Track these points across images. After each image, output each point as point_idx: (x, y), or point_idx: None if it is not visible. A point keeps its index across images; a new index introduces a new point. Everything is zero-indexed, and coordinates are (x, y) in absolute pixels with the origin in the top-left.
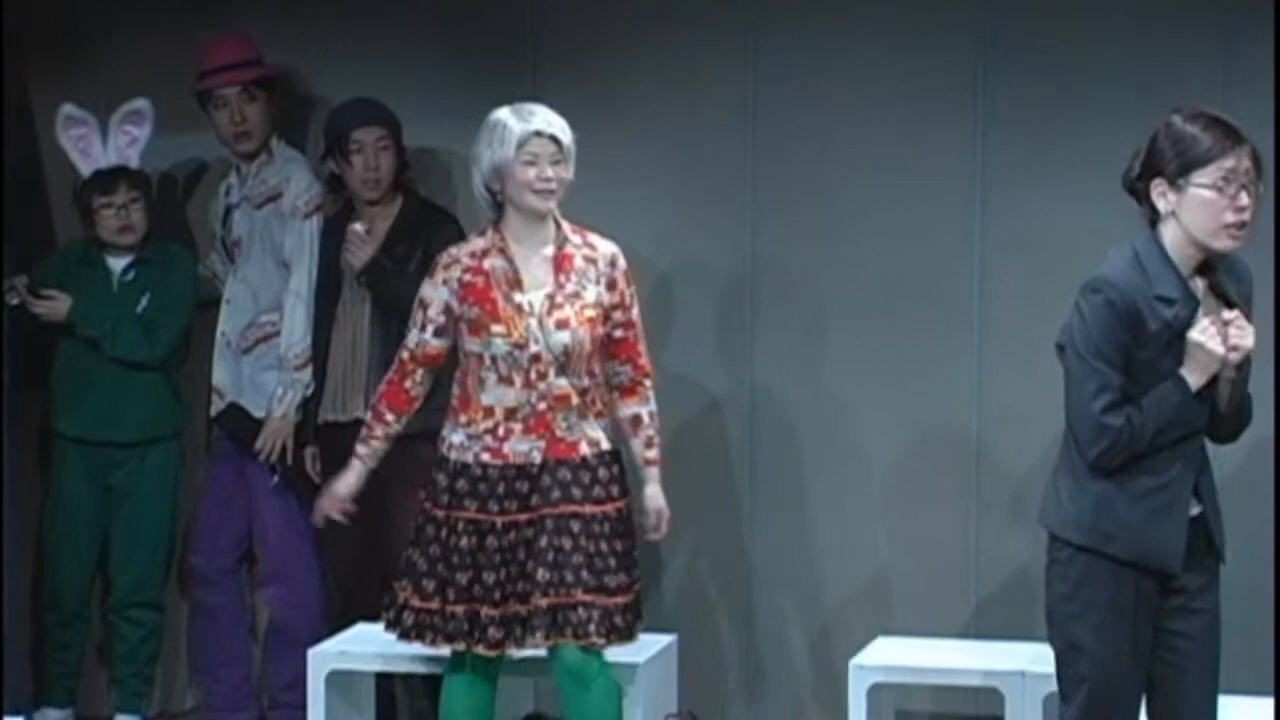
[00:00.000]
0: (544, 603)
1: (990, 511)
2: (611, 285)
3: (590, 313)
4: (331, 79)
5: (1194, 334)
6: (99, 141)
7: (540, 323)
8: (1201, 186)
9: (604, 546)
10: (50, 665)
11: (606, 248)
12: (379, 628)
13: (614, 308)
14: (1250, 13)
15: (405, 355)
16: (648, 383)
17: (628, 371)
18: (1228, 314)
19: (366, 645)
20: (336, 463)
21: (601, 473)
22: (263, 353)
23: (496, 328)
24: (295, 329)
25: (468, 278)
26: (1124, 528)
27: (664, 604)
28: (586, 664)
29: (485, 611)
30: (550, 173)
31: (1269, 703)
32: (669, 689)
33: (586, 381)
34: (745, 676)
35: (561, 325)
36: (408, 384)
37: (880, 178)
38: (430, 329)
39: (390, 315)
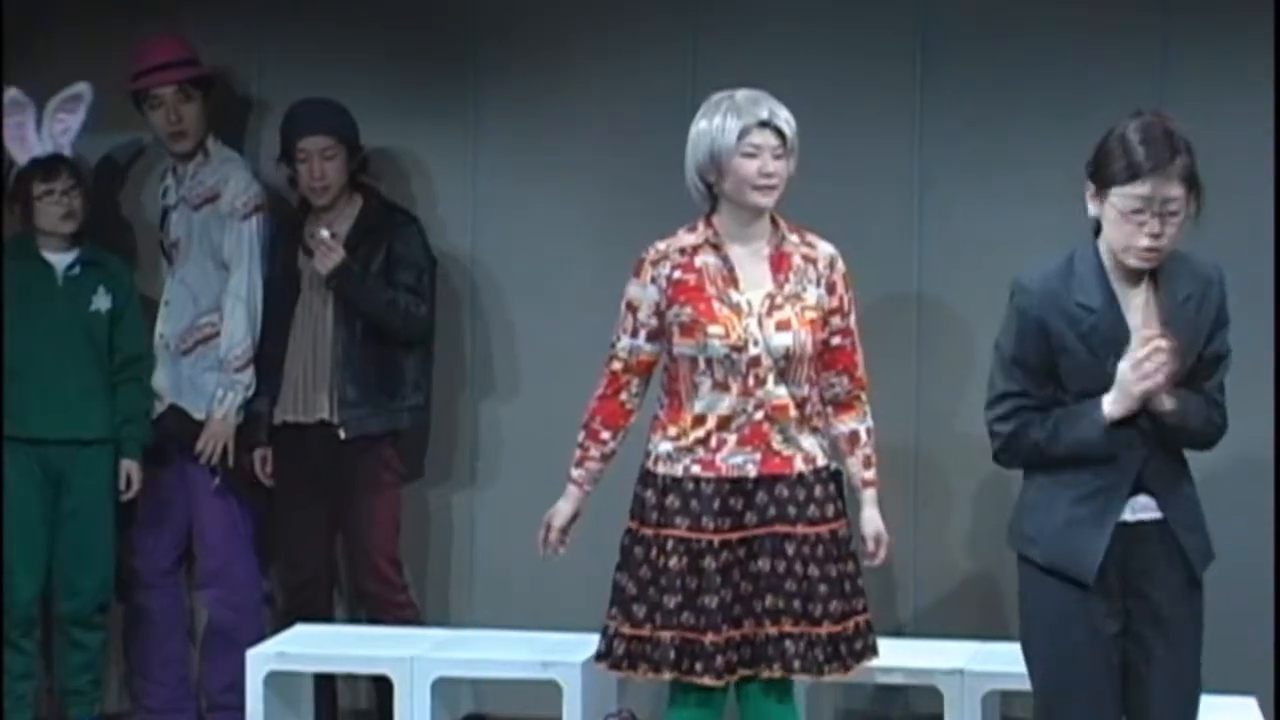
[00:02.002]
0: (774, 630)
1: (927, 510)
2: (831, 288)
3: (811, 315)
4: (271, 79)
5: (1123, 363)
6: (34, 129)
7: (760, 324)
8: (1113, 205)
9: (814, 571)
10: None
11: (825, 248)
12: (318, 628)
13: (832, 313)
14: (1187, 12)
15: (617, 366)
16: (865, 396)
17: (844, 384)
18: (1153, 340)
19: (305, 646)
20: (295, 464)
21: (818, 491)
22: (202, 354)
23: (714, 328)
24: (235, 330)
25: (678, 275)
26: (1042, 533)
27: (603, 603)
28: (767, 695)
29: (710, 639)
30: (773, 167)
31: (1251, 702)
32: (609, 688)
33: (806, 390)
34: None
35: (782, 327)
36: (623, 396)
37: (819, 178)
38: (643, 333)
39: (354, 315)
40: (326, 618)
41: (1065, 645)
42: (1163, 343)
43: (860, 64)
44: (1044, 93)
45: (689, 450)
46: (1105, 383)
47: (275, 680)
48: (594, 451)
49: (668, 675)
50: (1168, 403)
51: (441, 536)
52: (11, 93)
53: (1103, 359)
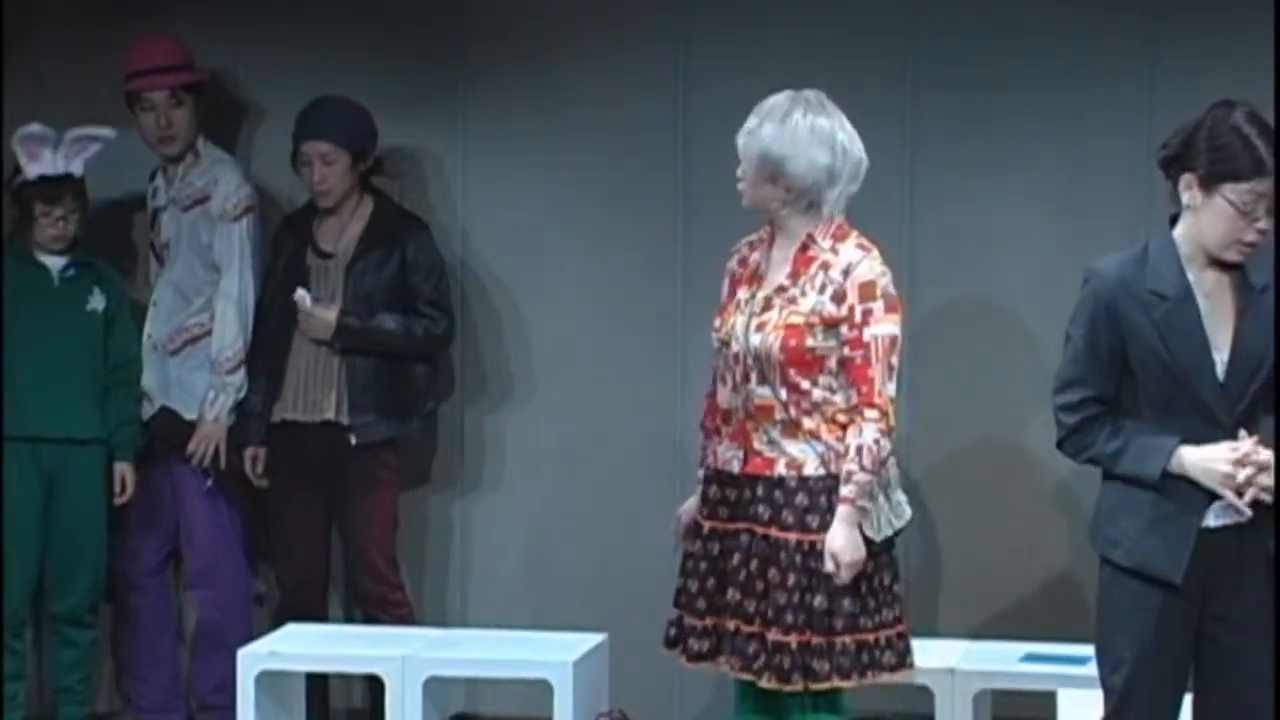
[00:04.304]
0: (731, 625)
1: (918, 509)
2: (839, 297)
3: (794, 319)
4: (262, 79)
5: (1221, 460)
6: (50, 150)
7: (747, 322)
8: (1229, 201)
9: (775, 576)
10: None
11: (847, 256)
12: (309, 627)
13: (841, 322)
14: (1176, 13)
15: (718, 361)
16: (869, 413)
17: (851, 397)
18: (1252, 450)
19: (296, 645)
20: (294, 462)
21: (799, 499)
22: (190, 354)
23: (716, 321)
24: (227, 332)
25: (734, 267)
26: (1126, 535)
27: (595, 603)
28: (818, 708)
29: (687, 621)
30: (740, 172)
31: None
32: (601, 688)
33: (785, 395)
34: (676, 675)
35: (759, 328)
36: None
37: None
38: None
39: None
40: (321, 617)
41: (1145, 646)
42: (1262, 458)
43: (850, 64)
44: (1033, 92)
45: (711, 440)
46: (1174, 373)
47: (266, 680)
48: (710, 446)
49: (665, 651)
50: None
51: (434, 537)
52: (33, 127)
53: (1174, 349)
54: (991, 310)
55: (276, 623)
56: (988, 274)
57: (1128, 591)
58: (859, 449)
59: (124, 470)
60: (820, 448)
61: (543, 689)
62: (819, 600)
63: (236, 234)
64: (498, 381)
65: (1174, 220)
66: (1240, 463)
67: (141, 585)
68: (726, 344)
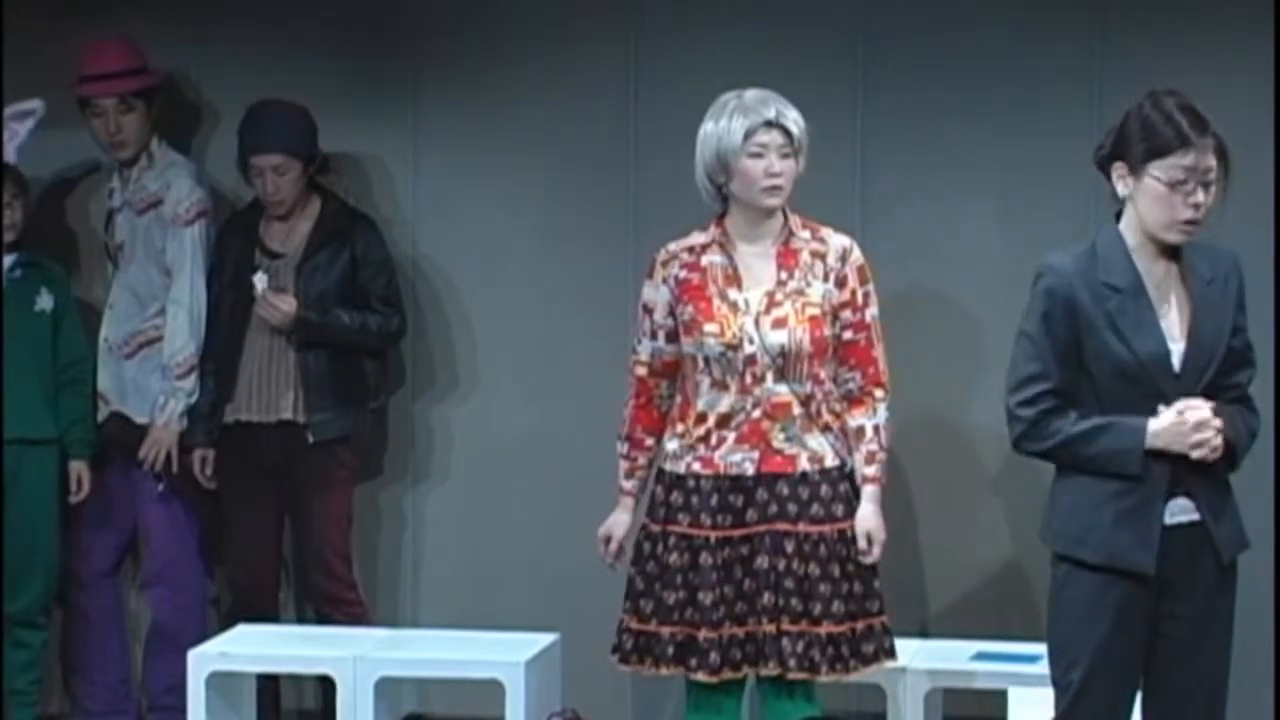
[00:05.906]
0: (770, 628)
1: None
2: (841, 282)
3: (813, 311)
4: (216, 81)
5: (1175, 417)
6: None
7: (756, 322)
8: (1157, 179)
9: (814, 570)
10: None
11: (838, 241)
12: (260, 628)
13: (843, 306)
14: (1126, 11)
15: (642, 371)
16: (878, 393)
17: (856, 379)
18: (1197, 412)
19: (247, 646)
20: (248, 463)
21: (824, 490)
22: (146, 356)
23: (709, 327)
24: (177, 337)
25: (684, 274)
26: (1092, 531)
27: (547, 602)
28: (794, 695)
29: (704, 635)
30: (779, 166)
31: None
32: (553, 688)
33: (809, 388)
34: (628, 675)
35: (779, 325)
36: (656, 400)
37: None
38: (662, 335)
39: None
40: (273, 617)
41: (1102, 643)
42: (1215, 419)
43: (801, 62)
44: (984, 91)
45: (691, 448)
46: (1130, 364)
47: (217, 681)
48: (642, 460)
49: (666, 671)
50: (1211, 458)
51: (385, 535)
52: None
53: (1129, 340)
54: (942, 307)
55: (228, 623)
56: (939, 271)
57: (1088, 588)
58: (876, 429)
59: (79, 469)
60: (831, 438)
61: (495, 689)
62: (857, 586)
63: (188, 238)
64: (449, 379)
65: (1118, 218)
66: (1200, 425)
67: (92, 585)
68: (734, 347)
